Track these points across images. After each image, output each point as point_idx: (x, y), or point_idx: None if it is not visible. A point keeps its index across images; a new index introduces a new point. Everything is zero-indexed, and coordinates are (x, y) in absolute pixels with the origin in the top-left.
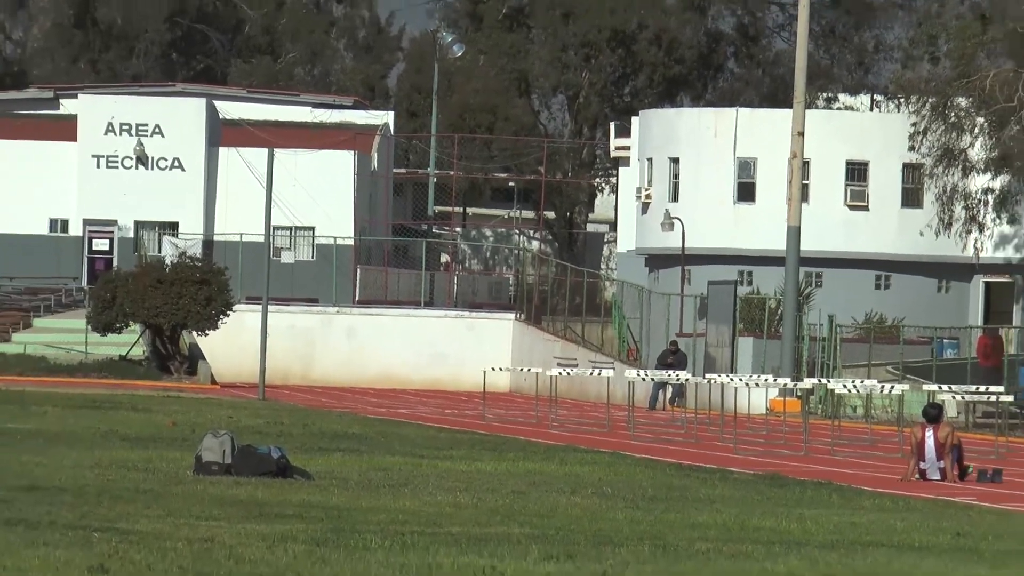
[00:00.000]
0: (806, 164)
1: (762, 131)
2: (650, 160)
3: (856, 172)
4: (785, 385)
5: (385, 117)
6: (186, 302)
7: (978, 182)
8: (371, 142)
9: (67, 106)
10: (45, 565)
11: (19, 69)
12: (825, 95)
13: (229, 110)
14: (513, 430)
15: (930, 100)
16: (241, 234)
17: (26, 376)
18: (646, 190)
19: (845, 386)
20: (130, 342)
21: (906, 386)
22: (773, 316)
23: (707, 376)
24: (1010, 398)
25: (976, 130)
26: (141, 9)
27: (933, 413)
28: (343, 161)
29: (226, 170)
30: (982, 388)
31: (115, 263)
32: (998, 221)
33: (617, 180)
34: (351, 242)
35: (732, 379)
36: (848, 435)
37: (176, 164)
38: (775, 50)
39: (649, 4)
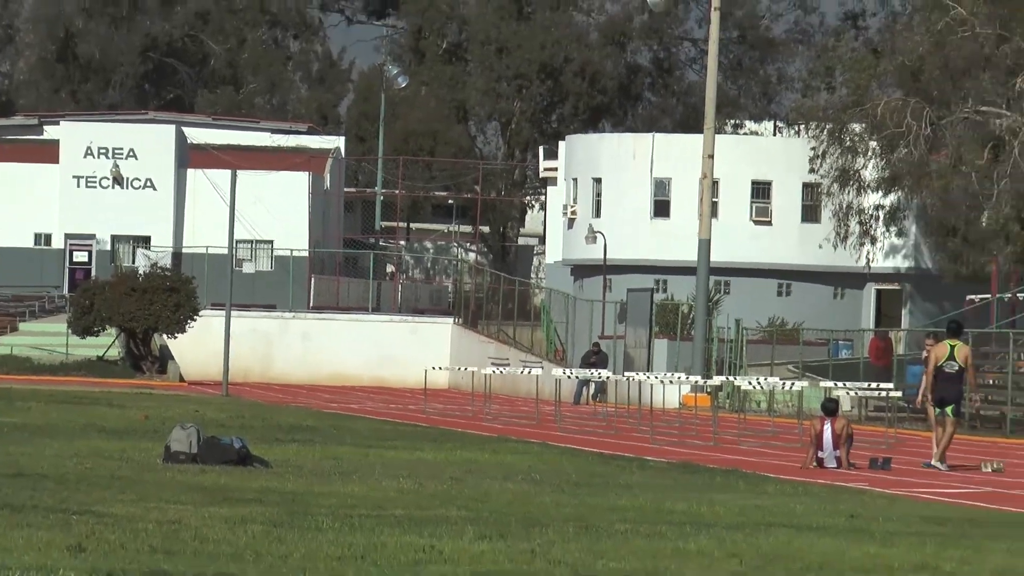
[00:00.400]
0: (715, 183)
1: (676, 154)
2: (575, 180)
3: (760, 191)
4: (696, 382)
5: (336, 142)
6: (157, 308)
7: (870, 199)
8: (324, 164)
9: (50, 132)
10: (28, 544)
11: (6, 99)
12: (732, 122)
13: (196, 135)
14: (451, 423)
15: (827, 126)
16: (207, 247)
17: (12, 375)
18: (571, 207)
19: (750, 383)
20: (107, 344)
21: (805, 383)
22: (686, 320)
23: (626, 374)
24: (899, 394)
25: (869, 153)
26: (117, 45)
27: (831, 407)
28: (299, 181)
29: (193, 189)
30: (873, 385)
31: (93, 273)
32: (888, 234)
33: (546, 198)
34: (306, 254)
35: (649, 377)
36: (753, 427)
37: (148, 184)
38: (688, 81)
39: (574, 40)
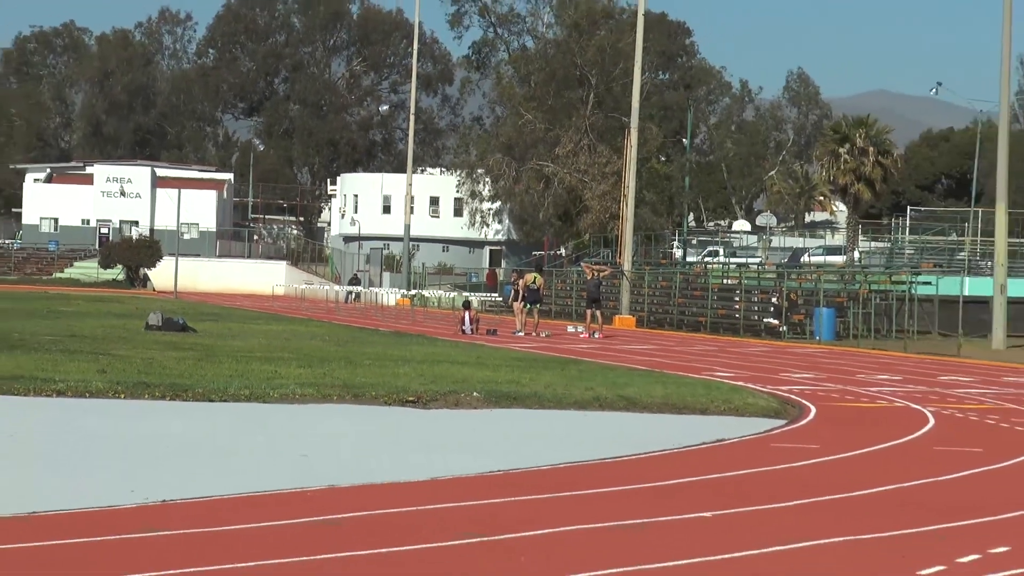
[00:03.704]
0: (413, 197)
1: (394, 184)
2: (345, 195)
3: (434, 200)
4: (404, 293)
5: (230, 176)
6: (142, 255)
7: (487, 205)
8: (223, 187)
9: (90, 169)
10: (76, 369)
11: (64, 153)
12: (422, 169)
13: (161, 172)
14: (285, 311)
15: (466, 170)
16: (166, 226)
17: (70, 287)
18: (343, 208)
19: (430, 293)
20: (117, 273)
21: (454, 293)
22: (399, 263)
23: (369, 288)
24: (500, 298)
25: (487, 183)
26: (122, 128)
27: (467, 303)
28: (211, 195)
29: (161, 198)
30: (488, 294)
31: (110, 238)
32: (495, 222)
33: (331, 204)
34: (215, 229)
35: (381, 290)
36: (432, 315)
37: (137, 195)
38: (399, 148)
39: (344, 128)
